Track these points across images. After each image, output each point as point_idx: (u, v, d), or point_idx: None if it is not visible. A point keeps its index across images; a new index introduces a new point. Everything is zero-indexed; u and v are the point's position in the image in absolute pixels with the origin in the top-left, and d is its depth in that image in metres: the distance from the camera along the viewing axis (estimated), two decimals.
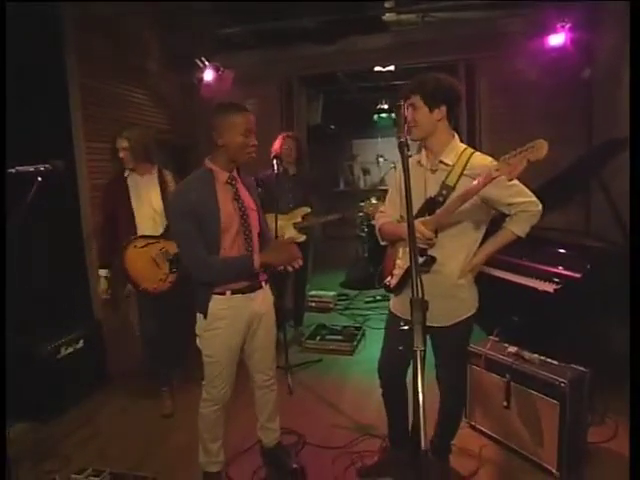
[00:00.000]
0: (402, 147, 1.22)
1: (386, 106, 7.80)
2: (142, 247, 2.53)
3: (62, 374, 2.73)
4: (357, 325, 4.01)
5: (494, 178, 1.48)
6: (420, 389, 0.83)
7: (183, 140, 4.21)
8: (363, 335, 3.79)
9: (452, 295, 1.73)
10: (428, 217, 1.69)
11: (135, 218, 2.58)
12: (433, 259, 1.70)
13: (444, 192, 1.70)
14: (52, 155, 1.93)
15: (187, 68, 4.04)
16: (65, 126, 2.97)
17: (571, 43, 3.29)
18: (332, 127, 8.10)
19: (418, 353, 0.88)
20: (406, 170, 1.18)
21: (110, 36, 3.32)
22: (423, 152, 1.81)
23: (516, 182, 1.65)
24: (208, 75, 3.94)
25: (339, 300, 4.81)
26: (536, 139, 1.42)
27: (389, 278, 1.90)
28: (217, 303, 1.80)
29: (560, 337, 2.42)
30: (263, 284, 1.93)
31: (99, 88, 3.21)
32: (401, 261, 1.84)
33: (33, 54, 2.71)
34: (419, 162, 1.82)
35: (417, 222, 1.69)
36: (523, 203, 1.65)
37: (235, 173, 1.84)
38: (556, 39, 3.35)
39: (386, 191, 2.04)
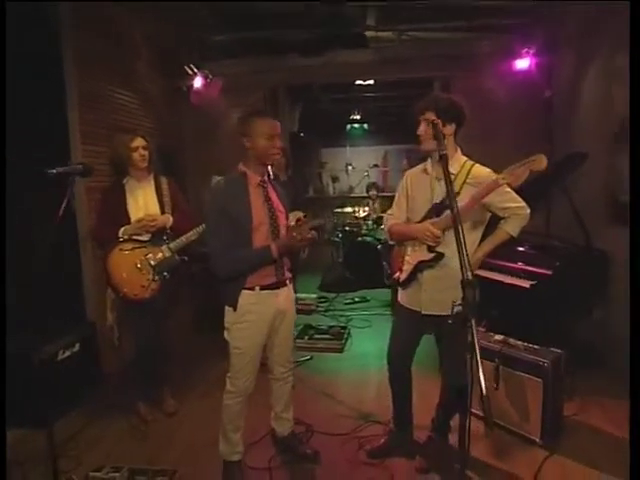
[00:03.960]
0: (444, 159, 1.45)
1: (359, 116, 8.14)
2: (128, 251, 2.49)
3: (60, 378, 2.69)
4: (342, 325, 4.21)
5: (500, 185, 1.74)
6: (479, 362, 1.02)
7: (170, 143, 4.24)
8: (349, 334, 3.99)
9: (458, 286, 1.96)
10: (436, 219, 1.93)
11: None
12: (441, 255, 1.94)
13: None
14: (49, 157, 1.91)
15: (178, 74, 4.11)
16: (62, 127, 2.96)
17: (535, 67, 3.71)
18: (302, 134, 8.31)
19: (473, 327, 1.08)
20: (448, 180, 1.40)
21: (107, 38, 3.34)
22: (429, 161, 2.05)
23: (509, 190, 1.92)
24: (197, 82, 4.03)
25: (319, 302, 4.99)
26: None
27: (398, 273, 2.12)
28: (246, 298, 1.93)
29: (534, 326, 2.74)
30: (287, 282, 2.08)
31: (96, 91, 3.22)
32: (410, 258, 2.07)
33: (30, 53, 2.69)
34: (425, 170, 2.06)
35: (427, 223, 1.95)
36: (515, 207, 1.94)
37: (266, 177, 1.99)
38: (522, 63, 3.76)
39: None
